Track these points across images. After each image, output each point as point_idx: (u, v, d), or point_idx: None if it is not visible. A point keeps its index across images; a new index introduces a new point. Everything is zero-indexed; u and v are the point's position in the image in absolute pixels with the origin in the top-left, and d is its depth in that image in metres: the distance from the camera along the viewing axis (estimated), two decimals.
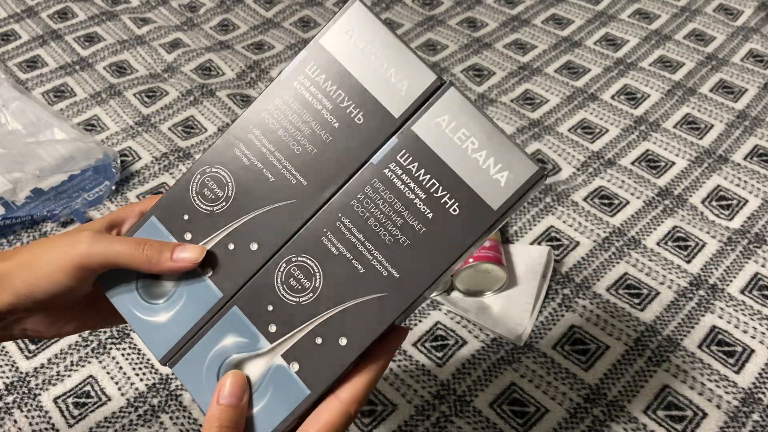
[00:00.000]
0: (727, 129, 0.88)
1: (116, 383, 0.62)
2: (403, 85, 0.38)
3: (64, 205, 0.75)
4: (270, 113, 0.40)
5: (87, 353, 0.64)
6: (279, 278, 0.39)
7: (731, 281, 0.71)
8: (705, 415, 0.60)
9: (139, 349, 0.64)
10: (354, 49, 0.39)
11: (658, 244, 0.74)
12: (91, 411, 0.60)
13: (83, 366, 0.63)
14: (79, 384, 0.62)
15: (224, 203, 0.41)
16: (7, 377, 0.62)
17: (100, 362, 0.63)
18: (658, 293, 0.69)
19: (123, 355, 0.64)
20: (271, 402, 0.38)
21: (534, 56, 1.01)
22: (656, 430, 0.59)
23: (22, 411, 0.60)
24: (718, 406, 0.61)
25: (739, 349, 0.65)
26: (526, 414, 0.60)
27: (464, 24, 1.08)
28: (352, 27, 0.39)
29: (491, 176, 0.36)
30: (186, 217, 0.41)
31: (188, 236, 0.41)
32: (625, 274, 0.71)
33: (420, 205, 0.37)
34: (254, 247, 0.39)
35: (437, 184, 0.37)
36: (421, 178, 0.37)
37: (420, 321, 0.67)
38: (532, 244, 0.74)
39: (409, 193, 0.37)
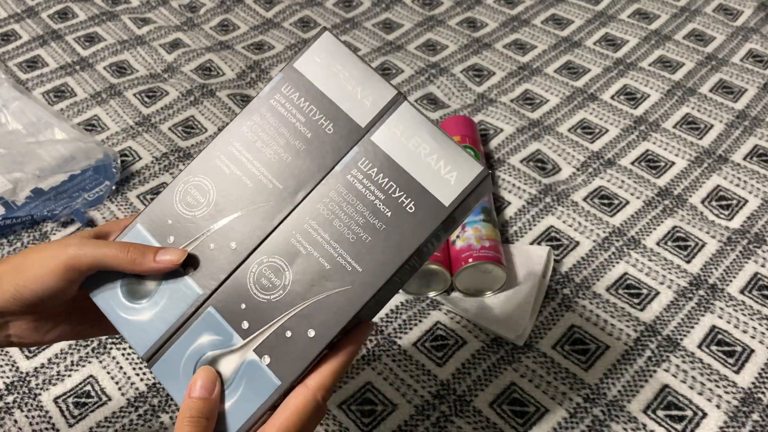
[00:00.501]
0: (726, 129, 0.88)
1: (116, 383, 0.62)
2: (368, 99, 0.43)
3: (64, 205, 0.75)
4: (249, 127, 0.44)
5: (87, 353, 0.64)
6: (251, 278, 0.42)
7: (731, 281, 0.71)
8: (705, 414, 0.60)
9: None
10: (324, 71, 0.44)
11: (657, 244, 0.74)
12: (92, 411, 0.60)
13: (83, 366, 0.63)
14: (80, 384, 0.62)
15: (206, 208, 0.44)
16: (8, 377, 0.62)
17: (101, 362, 0.63)
18: (657, 293, 0.69)
19: (123, 355, 0.64)
20: (244, 394, 0.40)
21: (534, 56, 1.01)
22: (656, 430, 0.59)
23: (22, 411, 0.60)
24: (718, 406, 0.61)
25: (738, 349, 0.65)
26: (526, 414, 0.60)
27: (464, 24, 1.08)
28: (323, 52, 0.44)
29: (442, 176, 0.40)
30: (170, 221, 0.44)
31: (171, 239, 0.43)
32: (625, 274, 0.71)
33: (380, 205, 0.41)
34: (233, 245, 0.42)
35: (394, 186, 0.41)
36: (380, 181, 0.41)
37: (420, 321, 0.67)
38: (532, 244, 0.74)
39: (369, 195, 0.41)
